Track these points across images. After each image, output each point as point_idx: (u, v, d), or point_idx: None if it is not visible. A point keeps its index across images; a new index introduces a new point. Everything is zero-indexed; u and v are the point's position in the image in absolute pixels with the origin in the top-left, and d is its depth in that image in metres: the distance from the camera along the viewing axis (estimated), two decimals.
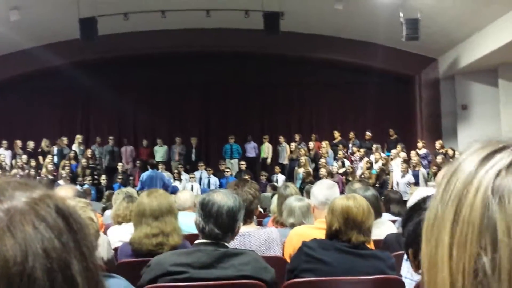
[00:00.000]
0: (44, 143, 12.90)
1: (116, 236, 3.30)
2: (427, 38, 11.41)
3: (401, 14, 10.84)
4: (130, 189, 4.68)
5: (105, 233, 3.38)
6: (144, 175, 10.67)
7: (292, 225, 3.42)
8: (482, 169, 0.51)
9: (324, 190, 3.06)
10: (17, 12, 10.86)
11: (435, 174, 10.19)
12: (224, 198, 2.19)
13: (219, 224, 2.15)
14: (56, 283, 0.49)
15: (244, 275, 2.12)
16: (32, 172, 11.33)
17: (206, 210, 2.17)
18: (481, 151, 0.53)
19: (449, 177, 0.53)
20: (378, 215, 3.53)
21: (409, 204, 2.43)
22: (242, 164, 12.85)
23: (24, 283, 0.48)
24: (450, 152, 11.46)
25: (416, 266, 1.43)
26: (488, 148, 0.52)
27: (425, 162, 11.89)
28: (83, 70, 13.26)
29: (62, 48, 12.72)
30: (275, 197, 4.56)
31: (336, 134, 13.61)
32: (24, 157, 12.09)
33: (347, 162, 12.25)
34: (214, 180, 12.28)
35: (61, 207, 0.55)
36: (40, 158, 12.45)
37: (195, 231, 2.56)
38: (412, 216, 1.46)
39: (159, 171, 11.61)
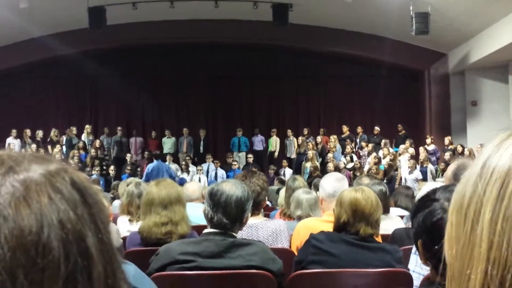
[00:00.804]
0: (53, 132, 12.99)
1: (126, 226, 3.30)
2: (437, 32, 11.32)
3: (411, 8, 10.76)
4: (136, 179, 4.69)
5: (114, 222, 3.39)
6: (150, 166, 10.70)
7: (299, 218, 3.42)
8: None
9: (333, 183, 3.05)
10: (26, 0, 10.88)
11: (443, 171, 10.15)
12: (232, 188, 2.19)
13: (227, 213, 2.15)
14: (71, 254, 0.50)
15: (251, 265, 2.13)
16: None
17: (214, 199, 2.17)
18: None
19: (486, 158, 0.55)
20: (385, 210, 3.52)
21: (418, 198, 2.42)
22: (250, 157, 12.87)
23: (40, 253, 0.48)
24: (459, 148, 11.39)
25: (425, 258, 1.42)
26: None
27: (433, 158, 11.84)
28: (92, 60, 13.31)
29: (71, 37, 12.75)
30: (283, 190, 4.56)
31: (345, 128, 13.57)
32: (33, 146, 12.17)
33: (355, 157, 12.22)
34: (222, 173, 12.31)
35: (76, 180, 0.55)
36: (49, 147, 12.53)
37: (203, 222, 2.57)
38: (421, 207, 1.45)
39: (166, 162, 11.64)
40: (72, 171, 0.56)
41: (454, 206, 0.57)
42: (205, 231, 2.23)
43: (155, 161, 10.72)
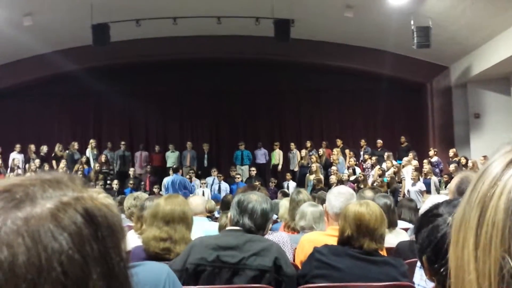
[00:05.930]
0: (58, 147, 13.02)
1: (135, 241, 3.24)
2: (439, 46, 11.37)
3: (412, 22, 10.82)
4: (141, 194, 4.67)
5: None
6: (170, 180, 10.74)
7: (303, 228, 3.41)
8: (508, 172, 0.50)
9: (341, 203, 2.91)
10: (31, 17, 11.00)
11: (446, 183, 10.12)
12: (259, 199, 2.41)
13: (253, 219, 2.35)
14: None
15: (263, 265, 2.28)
16: None
17: (242, 206, 2.37)
18: (508, 153, 0.52)
19: (477, 179, 0.53)
20: (392, 224, 3.49)
21: (421, 211, 2.40)
22: (253, 170, 12.86)
23: None
24: (463, 160, 11.37)
25: (430, 274, 1.41)
26: None
27: (436, 170, 11.81)
28: (95, 76, 13.38)
29: (75, 53, 12.86)
30: (284, 203, 4.54)
31: (339, 142, 13.57)
32: (37, 161, 12.20)
33: (358, 170, 12.20)
34: (225, 186, 12.29)
35: (91, 211, 0.51)
36: (54, 162, 12.54)
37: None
38: (425, 222, 1.44)
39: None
40: (88, 198, 0.52)
41: (453, 225, 0.56)
42: (227, 228, 2.45)
43: (174, 175, 10.76)
